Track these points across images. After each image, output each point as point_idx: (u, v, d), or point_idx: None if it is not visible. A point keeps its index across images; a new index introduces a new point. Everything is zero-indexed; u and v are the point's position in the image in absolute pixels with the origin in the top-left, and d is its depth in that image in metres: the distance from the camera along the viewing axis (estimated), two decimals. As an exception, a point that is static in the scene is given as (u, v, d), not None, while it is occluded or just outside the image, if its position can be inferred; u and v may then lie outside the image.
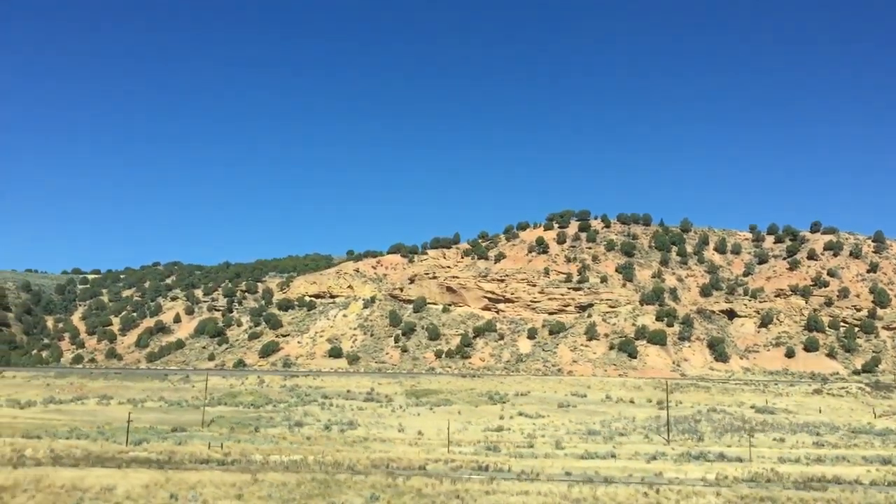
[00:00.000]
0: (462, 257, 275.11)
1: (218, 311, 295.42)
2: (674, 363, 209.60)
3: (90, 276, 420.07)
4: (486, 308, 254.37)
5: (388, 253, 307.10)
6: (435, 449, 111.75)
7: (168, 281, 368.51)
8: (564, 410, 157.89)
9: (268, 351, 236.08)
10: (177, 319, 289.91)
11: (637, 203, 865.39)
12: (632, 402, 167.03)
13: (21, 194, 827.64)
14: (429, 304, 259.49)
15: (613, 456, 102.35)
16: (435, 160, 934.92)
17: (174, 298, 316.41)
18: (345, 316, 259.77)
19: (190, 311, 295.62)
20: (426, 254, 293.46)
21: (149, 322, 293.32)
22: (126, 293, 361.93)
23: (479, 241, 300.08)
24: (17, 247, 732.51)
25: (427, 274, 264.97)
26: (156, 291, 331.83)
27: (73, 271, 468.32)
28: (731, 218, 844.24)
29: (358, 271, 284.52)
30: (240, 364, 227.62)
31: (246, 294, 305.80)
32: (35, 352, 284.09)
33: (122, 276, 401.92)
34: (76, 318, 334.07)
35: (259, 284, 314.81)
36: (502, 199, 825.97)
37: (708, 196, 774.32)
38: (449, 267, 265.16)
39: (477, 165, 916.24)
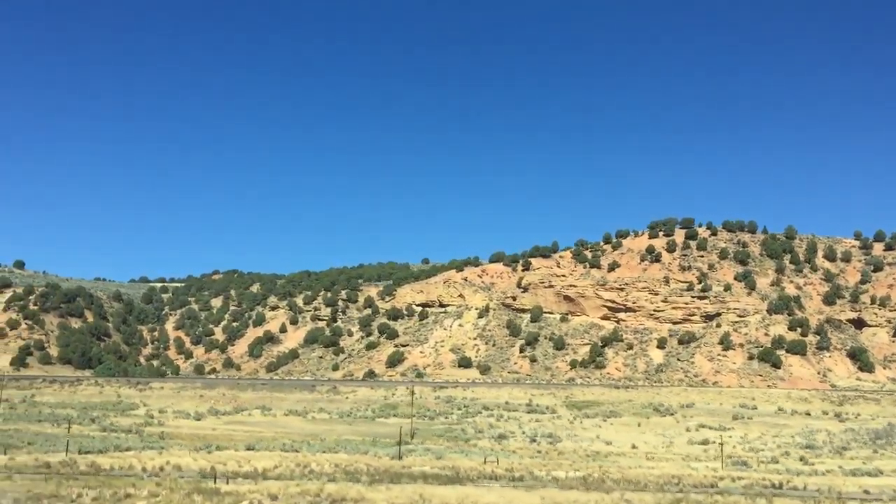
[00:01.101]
0: (576, 266, 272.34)
1: (322, 320, 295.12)
2: (819, 374, 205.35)
3: (170, 285, 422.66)
4: (605, 317, 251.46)
5: (491, 262, 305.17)
6: (680, 463, 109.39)
7: (253, 290, 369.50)
8: (744, 422, 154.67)
9: (394, 361, 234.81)
10: (282, 329, 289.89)
11: (708, 208, 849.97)
12: (808, 414, 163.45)
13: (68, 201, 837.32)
14: (545, 313, 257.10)
15: (881, 472, 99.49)
16: (503, 170, 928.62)
17: (273, 308, 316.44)
18: (461, 325, 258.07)
19: (294, 321, 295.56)
20: (530, 262, 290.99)
21: (255, 332, 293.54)
22: (214, 302, 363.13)
23: (581, 248, 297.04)
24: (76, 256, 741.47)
25: (542, 283, 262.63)
26: (253, 300, 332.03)
27: (141, 279, 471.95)
28: (815, 223, 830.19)
29: (466, 280, 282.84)
30: (370, 374, 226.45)
31: (348, 303, 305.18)
32: (146, 362, 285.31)
33: (205, 285, 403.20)
34: (170, 328, 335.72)
35: (358, 293, 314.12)
36: (568, 207, 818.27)
37: (800, 201, 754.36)
38: (564, 276, 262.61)
39: (547, 175, 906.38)
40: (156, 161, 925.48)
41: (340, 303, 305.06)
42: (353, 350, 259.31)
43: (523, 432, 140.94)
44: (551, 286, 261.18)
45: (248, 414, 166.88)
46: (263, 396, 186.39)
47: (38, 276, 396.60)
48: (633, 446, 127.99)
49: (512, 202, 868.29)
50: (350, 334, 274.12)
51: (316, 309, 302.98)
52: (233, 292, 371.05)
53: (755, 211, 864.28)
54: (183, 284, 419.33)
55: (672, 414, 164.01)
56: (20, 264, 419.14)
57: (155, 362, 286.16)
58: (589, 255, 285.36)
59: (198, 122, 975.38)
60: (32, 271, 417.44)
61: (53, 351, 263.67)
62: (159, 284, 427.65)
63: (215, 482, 78.04)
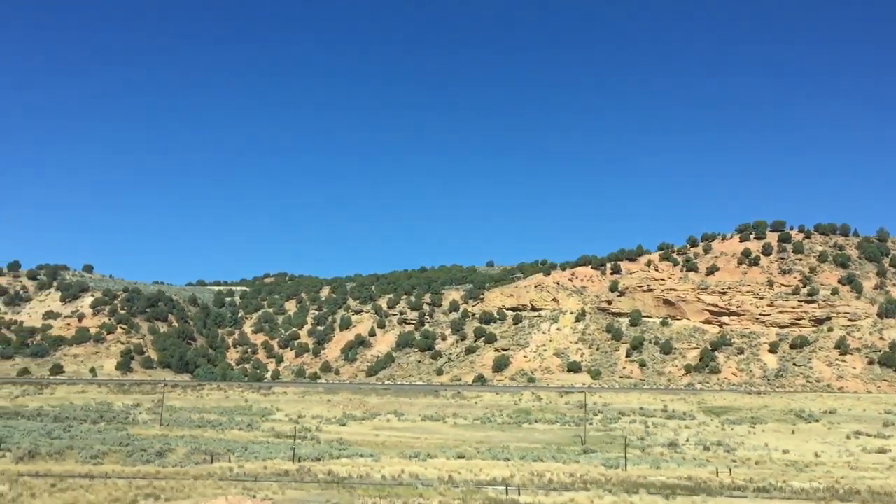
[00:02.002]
0: (672, 269, 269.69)
1: (409, 324, 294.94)
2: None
3: (232, 288, 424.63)
4: (707, 321, 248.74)
5: (577, 265, 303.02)
6: (886, 473, 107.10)
7: (323, 294, 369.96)
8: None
9: (500, 365, 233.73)
10: (371, 333, 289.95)
11: (770, 209, 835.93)
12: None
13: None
14: (644, 317, 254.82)
15: None
16: (567, 174, 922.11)
17: (357, 311, 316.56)
18: (559, 329, 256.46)
19: (381, 325, 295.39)
20: (619, 266, 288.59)
21: (344, 336, 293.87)
22: (288, 306, 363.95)
23: (669, 251, 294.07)
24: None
25: (640, 286, 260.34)
26: (335, 304, 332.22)
27: (198, 283, 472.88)
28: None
29: (559, 284, 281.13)
30: (479, 379, 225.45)
31: (433, 307, 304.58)
32: (237, 365, 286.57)
33: (274, 288, 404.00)
34: (249, 331, 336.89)
35: (442, 297, 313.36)
36: (641, 210, 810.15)
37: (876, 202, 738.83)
38: (663, 279, 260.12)
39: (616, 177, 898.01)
40: (185, 165, 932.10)
41: (426, 306, 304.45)
42: (450, 354, 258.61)
43: (686, 439, 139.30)
44: (650, 290, 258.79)
45: (385, 419, 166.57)
46: (390, 401, 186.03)
47: (107, 280, 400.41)
48: (817, 454, 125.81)
49: (568, 205, 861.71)
50: (444, 338, 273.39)
51: (402, 313, 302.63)
52: (304, 296, 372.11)
53: (819, 212, 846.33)
54: (250, 288, 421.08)
55: (817, 420, 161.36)
56: (89, 268, 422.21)
57: (246, 366, 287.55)
58: (679, 258, 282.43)
59: (234, 128, 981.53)
60: (100, 275, 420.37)
61: (151, 355, 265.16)
62: (222, 288, 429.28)
63: (507, 493, 77.27)
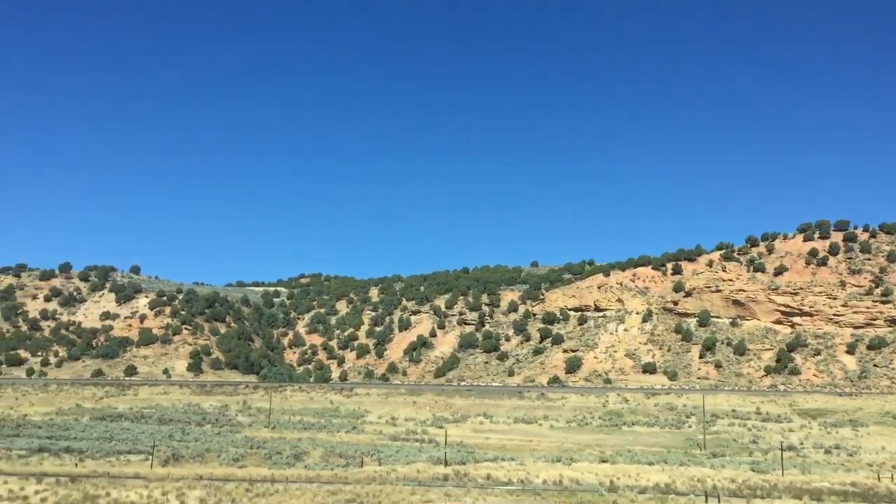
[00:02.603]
0: (740, 269, 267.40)
1: (469, 324, 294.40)
2: None
3: (276, 289, 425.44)
4: (778, 322, 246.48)
5: (637, 265, 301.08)
6: None
7: (373, 292, 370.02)
8: None
9: (573, 366, 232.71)
10: (432, 333, 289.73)
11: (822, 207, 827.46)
12: None
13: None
14: (712, 317, 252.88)
15: None
16: (619, 174, 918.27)
17: (415, 312, 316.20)
18: (626, 330, 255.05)
19: (441, 325, 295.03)
20: (680, 266, 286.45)
21: (404, 336, 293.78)
22: (339, 306, 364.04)
23: (729, 251, 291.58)
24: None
25: (707, 287, 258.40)
26: (390, 304, 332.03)
27: (238, 283, 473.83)
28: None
29: (621, 284, 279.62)
30: (555, 380, 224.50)
31: (492, 307, 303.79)
32: (299, 366, 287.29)
33: (325, 289, 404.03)
34: (303, 331, 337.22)
35: (499, 297, 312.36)
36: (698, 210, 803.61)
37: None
38: (731, 280, 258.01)
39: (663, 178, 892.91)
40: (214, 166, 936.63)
41: (484, 307, 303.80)
42: (517, 355, 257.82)
43: (801, 442, 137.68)
44: (718, 290, 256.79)
45: (477, 421, 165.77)
46: (476, 403, 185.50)
47: (156, 281, 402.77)
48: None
49: (612, 205, 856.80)
50: (507, 339, 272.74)
51: (461, 313, 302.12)
52: (354, 296, 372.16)
53: (867, 210, 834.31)
54: (287, 288, 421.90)
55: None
56: (136, 269, 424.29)
57: (308, 367, 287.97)
58: (742, 258, 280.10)
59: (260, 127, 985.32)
60: (147, 276, 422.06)
61: (218, 356, 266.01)
62: (268, 288, 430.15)
63: (719, 501, 76.15)
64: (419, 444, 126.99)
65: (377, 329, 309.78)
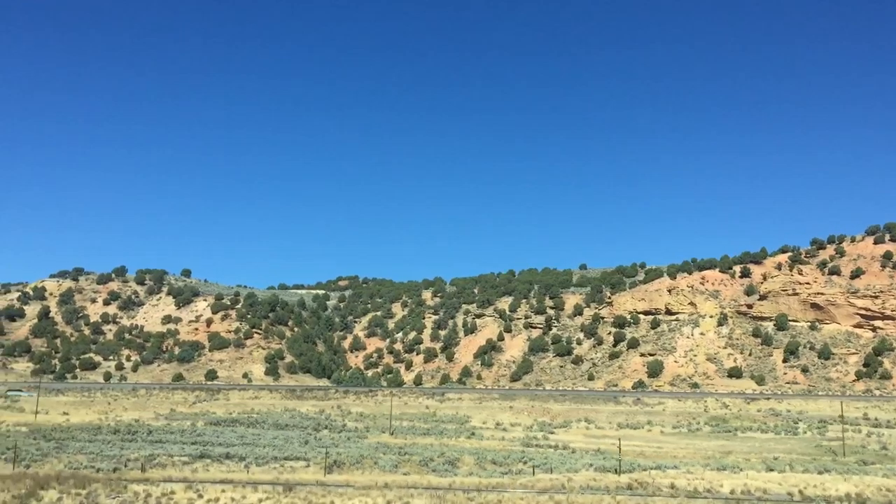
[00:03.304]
0: (817, 273, 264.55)
1: (536, 328, 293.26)
2: None
3: (321, 292, 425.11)
4: (858, 325, 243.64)
5: (701, 268, 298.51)
6: None
7: (426, 295, 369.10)
8: None
9: (655, 371, 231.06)
10: (500, 337, 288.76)
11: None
12: None
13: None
14: (790, 321, 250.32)
15: None
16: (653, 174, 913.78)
17: (478, 315, 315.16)
18: (702, 334, 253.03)
19: (508, 329, 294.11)
20: (748, 269, 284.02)
21: (471, 340, 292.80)
22: (395, 309, 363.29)
23: (797, 253, 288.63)
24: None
25: (784, 290, 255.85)
26: (452, 307, 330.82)
27: (280, 287, 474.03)
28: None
29: (692, 287, 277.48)
30: (639, 385, 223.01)
31: (558, 311, 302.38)
32: (368, 370, 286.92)
33: (377, 291, 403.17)
34: (361, 334, 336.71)
35: (563, 300, 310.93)
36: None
37: None
38: (808, 283, 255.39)
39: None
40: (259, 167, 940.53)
41: (549, 310, 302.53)
42: (591, 359, 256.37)
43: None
44: (795, 293, 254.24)
45: (583, 426, 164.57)
46: (573, 408, 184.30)
47: (209, 285, 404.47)
48: None
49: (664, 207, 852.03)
50: (579, 343, 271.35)
51: (527, 317, 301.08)
52: (407, 299, 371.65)
53: None
54: (322, 290, 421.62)
55: None
56: (188, 273, 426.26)
57: (376, 370, 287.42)
58: (811, 260, 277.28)
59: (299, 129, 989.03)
60: (197, 279, 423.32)
61: (291, 360, 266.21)
62: (313, 291, 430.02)
63: None
64: (553, 451, 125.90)
65: (441, 332, 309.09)
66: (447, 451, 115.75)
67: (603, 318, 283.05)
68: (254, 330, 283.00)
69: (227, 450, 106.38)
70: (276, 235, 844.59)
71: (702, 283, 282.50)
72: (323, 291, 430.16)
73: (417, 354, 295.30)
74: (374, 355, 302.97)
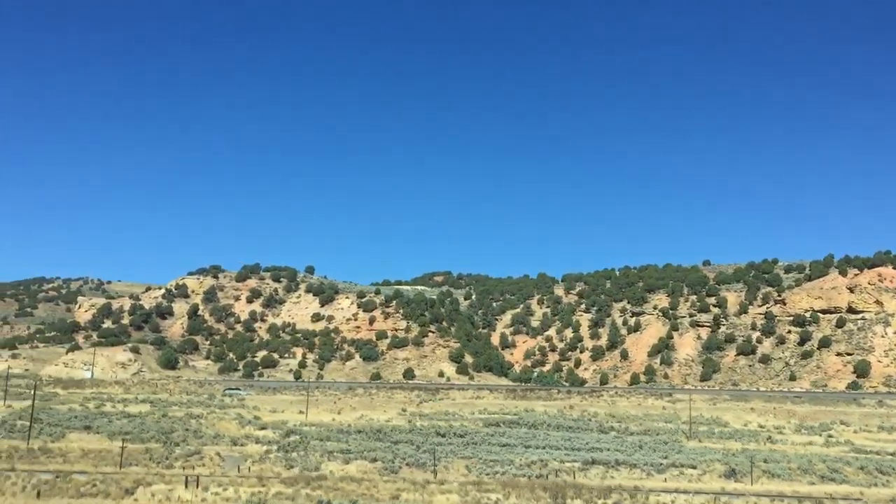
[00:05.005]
0: None
1: (703, 326, 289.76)
2: None
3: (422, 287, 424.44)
4: None
5: (873, 265, 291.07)
6: None
7: (558, 292, 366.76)
8: None
9: (864, 371, 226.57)
10: (668, 336, 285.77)
11: None
12: None
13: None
14: None
15: None
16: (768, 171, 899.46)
17: (637, 313, 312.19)
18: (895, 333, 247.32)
19: (675, 327, 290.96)
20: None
21: (637, 339, 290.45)
22: (534, 306, 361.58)
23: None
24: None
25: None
26: (604, 305, 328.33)
27: (384, 282, 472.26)
28: None
29: (873, 284, 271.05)
30: (853, 386, 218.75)
31: (721, 308, 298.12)
32: (536, 368, 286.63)
33: (502, 287, 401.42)
34: (507, 332, 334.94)
35: (723, 297, 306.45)
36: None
37: None
38: None
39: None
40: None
41: (712, 308, 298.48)
42: (780, 358, 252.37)
43: None
44: None
45: (849, 429, 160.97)
46: (817, 410, 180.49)
47: (344, 283, 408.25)
48: None
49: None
50: (759, 342, 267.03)
51: (691, 314, 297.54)
52: (541, 296, 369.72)
53: None
54: (420, 286, 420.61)
55: None
56: (311, 269, 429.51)
57: (543, 368, 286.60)
58: None
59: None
60: (320, 277, 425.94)
61: (469, 358, 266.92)
62: (417, 288, 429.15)
63: None
64: (878, 456, 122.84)
65: (600, 330, 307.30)
66: (791, 458, 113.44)
67: (776, 315, 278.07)
68: (428, 329, 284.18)
69: (591, 455, 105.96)
70: (374, 233, 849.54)
71: (880, 281, 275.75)
72: (421, 287, 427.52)
73: (581, 352, 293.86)
74: (538, 353, 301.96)
